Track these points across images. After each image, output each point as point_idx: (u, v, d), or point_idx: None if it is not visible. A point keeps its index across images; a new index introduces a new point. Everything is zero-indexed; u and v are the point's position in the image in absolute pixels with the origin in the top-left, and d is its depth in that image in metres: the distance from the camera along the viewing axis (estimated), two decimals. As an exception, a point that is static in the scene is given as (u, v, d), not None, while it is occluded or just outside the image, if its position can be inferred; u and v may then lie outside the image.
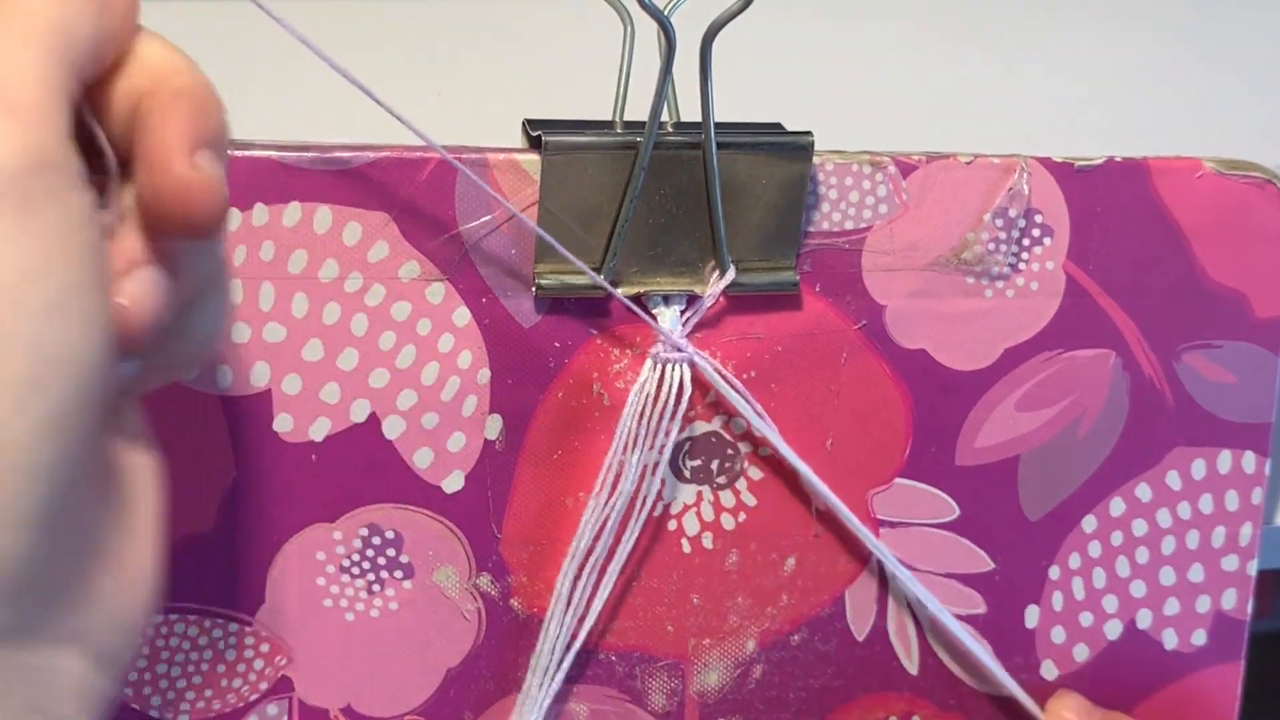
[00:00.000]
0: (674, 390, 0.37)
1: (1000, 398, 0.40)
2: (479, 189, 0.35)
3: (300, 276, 0.35)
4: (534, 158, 0.35)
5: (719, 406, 0.38)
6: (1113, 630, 0.42)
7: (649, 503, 0.38)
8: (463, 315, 0.36)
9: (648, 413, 0.37)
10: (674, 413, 0.37)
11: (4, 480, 0.22)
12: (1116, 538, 0.41)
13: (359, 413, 0.36)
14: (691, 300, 0.37)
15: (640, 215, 0.36)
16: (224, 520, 0.36)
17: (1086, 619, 0.41)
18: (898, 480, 0.40)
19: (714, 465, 0.38)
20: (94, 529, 0.25)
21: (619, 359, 0.37)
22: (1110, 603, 0.41)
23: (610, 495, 0.37)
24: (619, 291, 0.36)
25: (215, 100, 0.27)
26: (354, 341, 0.35)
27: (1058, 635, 0.41)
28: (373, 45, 0.46)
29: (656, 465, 0.37)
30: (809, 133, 0.37)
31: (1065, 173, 0.39)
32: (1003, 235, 0.39)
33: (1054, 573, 0.41)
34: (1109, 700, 0.42)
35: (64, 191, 0.23)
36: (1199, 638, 0.42)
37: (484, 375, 0.36)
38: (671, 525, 0.39)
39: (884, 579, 0.40)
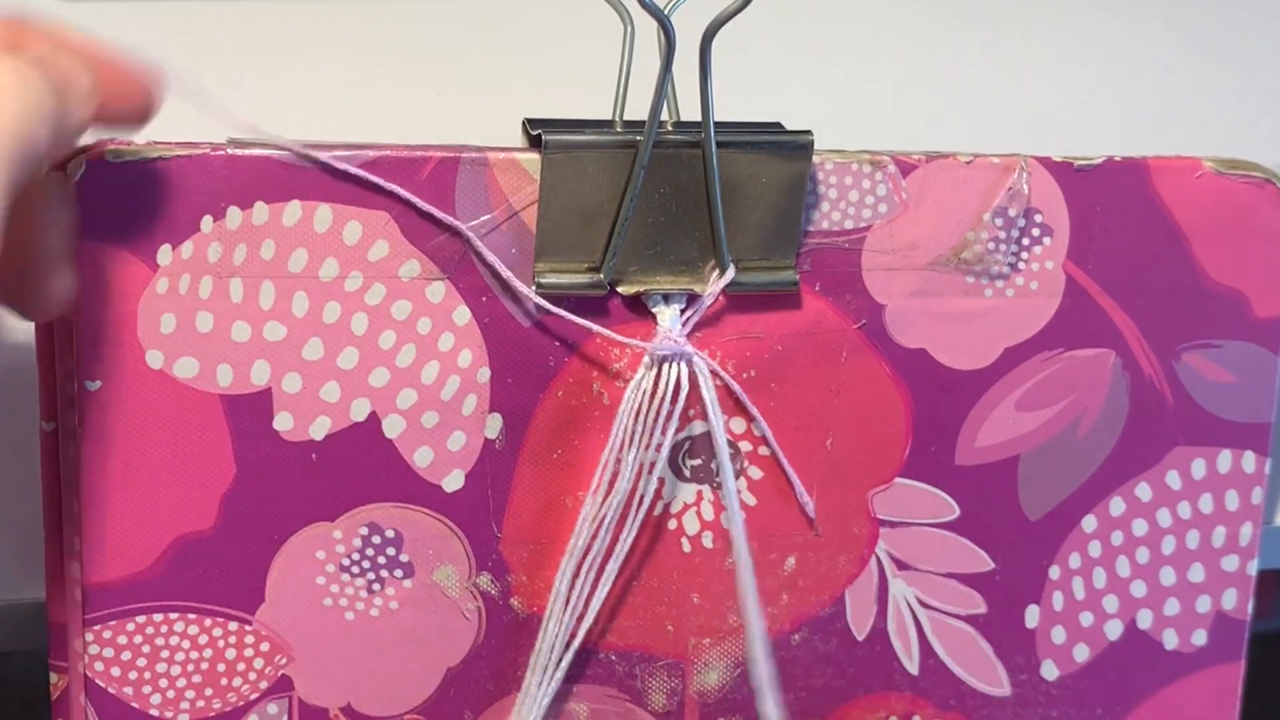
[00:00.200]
0: (671, 389, 0.37)
1: (1000, 397, 0.40)
2: (479, 188, 0.35)
3: (301, 275, 0.35)
4: (534, 157, 0.35)
5: (719, 406, 0.38)
6: (1113, 630, 0.42)
7: (648, 502, 0.38)
8: (463, 314, 0.36)
9: (645, 411, 0.37)
10: (671, 412, 0.37)
11: None
12: (1117, 537, 0.41)
13: (359, 412, 0.36)
14: (691, 299, 0.37)
15: (640, 214, 0.36)
16: (224, 520, 0.36)
17: (1087, 619, 0.41)
18: (898, 480, 0.40)
19: (714, 465, 0.38)
20: None
21: (619, 358, 0.37)
22: (1110, 603, 0.41)
23: (607, 494, 0.37)
24: (619, 290, 0.36)
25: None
26: (354, 340, 0.35)
27: (1058, 635, 0.41)
28: (373, 44, 0.46)
29: (654, 464, 0.37)
30: (809, 132, 0.37)
31: (1065, 172, 0.39)
32: (1002, 235, 0.39)
33: (1054, 573, 0.41)
34: (1110, 700, 0.42)
35: None
36: (1199, 638, 0.42)
37: (484, 374, 0.36)
38: (671, 524, 0.39)
39: (884, 578, 0.40)
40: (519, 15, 0.48)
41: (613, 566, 0.38)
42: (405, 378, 0.36)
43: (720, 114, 0.35)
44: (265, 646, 0.37)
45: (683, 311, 0.37)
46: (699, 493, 0.39)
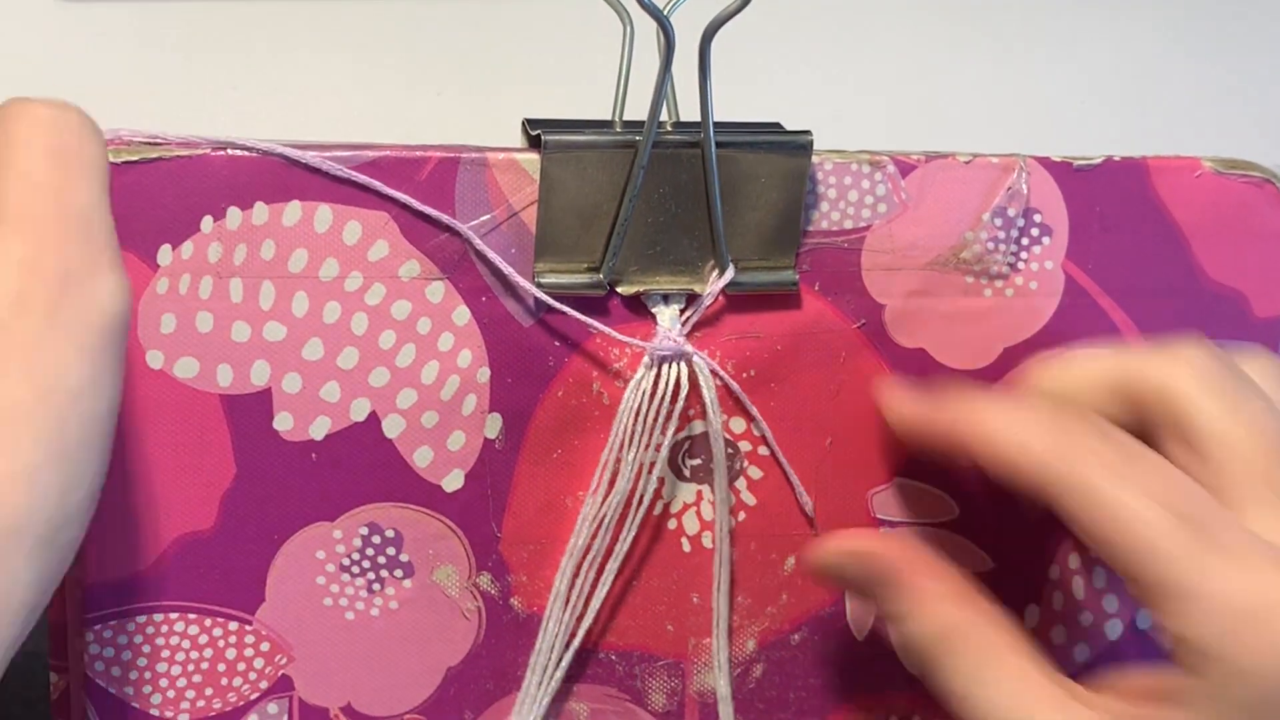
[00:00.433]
0: (671, 389, 0.37)
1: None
2: (479, 188, 0.35)
3: (301, 275, 0.35)
4: (533, 157, 0.35)
5: (718, 405, 0.38)
6: (1113, 630, 0.42)
7: (647, 501, 0.38)
8: (462, 314, 0.36)
9: (645, 411, 0.37)
10: (671, 411, 0.37)
11: None
12: None
13: (359, 411, 0.36)
14: (691, 299, 0.37)
15: (640, 214, 0.36)
16: (224, 519, 0.36)
17: (1086, 618, 0.41)
18: (896, 479, 0.40)
19: (714, 465, 0.38)
20: None
21: (619, 358, 0.37)
22: (1110, 602, 0.41)
23: (607, 494, 0.37)
24: (618, 290, 0.37)
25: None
26: (354, 340, 0.36)
27: (1058, 635, 0.41)
28: (373, 44, 0.47)
29: (654, 464, 0.37)
30: (808, 132, 0.37)
31: (1064, 172, 0.39)
32: (1002, 235, 0.39)
33: (1054, 572, 0.41)
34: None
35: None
36: (1199, 637, 0.42)
37: (484, 374, 0.36)
38: (671, 524, 0.39)
39: (884, 578, 0.40)
40: (518, 16, 0.48)
41: (612, 566, 0.38)
42: (405, 378, 0.36)
43: (720, 114, 0.35)
44: (265, 646, 0.37)
45: (682, 311, 0.37)
46: (699, 492, 0.39)
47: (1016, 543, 0.41)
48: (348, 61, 0.46)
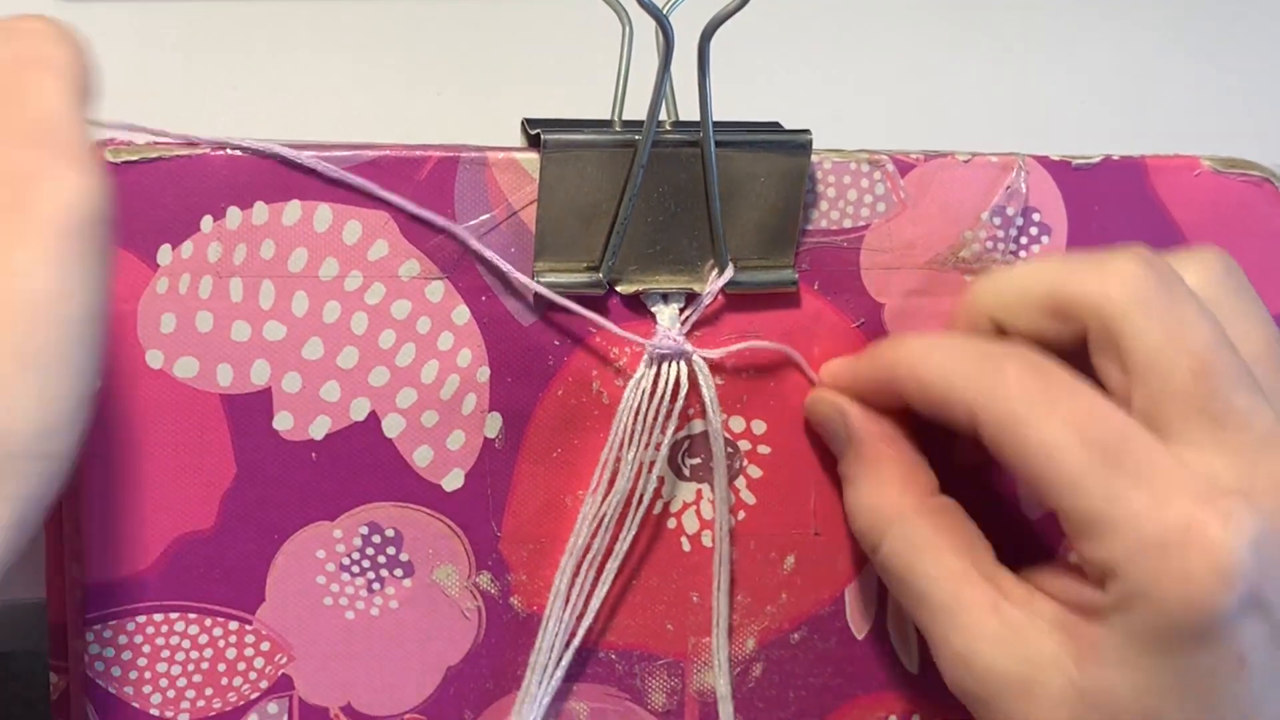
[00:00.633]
0: (670, 387, 0.37)
1: None
2: (479, 187, 0.35)
3: (300, 275, 0.35)
4: (533, 156, 0.36)
5: (718, 404, 0.38)
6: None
7: (647, 500, 0.38)
8: (462, 313, 0.36)
9: (644, 410, 0.37)
10: (670, 410, 0.37)
11: None
12: None
13: (359, 411, 0.36)
14: (690, 298, 0.37)
15: (639, 213, 0.36)
16: (224, 519, 0.36)
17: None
18: (897, 478, 0.40)
19: (714, 464, 0.38)
20: None
21: (618, 357, 0.37)
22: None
23: (607, 493, 0.37)
24: (618, 289, 0.37)
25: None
26: (354, 340, 0.36)
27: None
28: (373, 44, 0.47)
29: (654, 463, 0.38)
30: (807, 131, 0.37)
31: (1063, 171, 0.39)
32: (1000, 234, 0.39)
33: (1053, 571, 0.41)
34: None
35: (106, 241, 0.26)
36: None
37: (483, 373, 0.36)
38: (671, 523, 0.39)
39: (883, 577, 0.40)
40: (518, 15, 0.48)
41: (612, 565, 0.38)
42: (405, 377, 0.36)
43: (719, 113, 0.35)
44: (265, 646, 0.37)
45: (682, 310, 0.37)
46: (698, 491, 0.39)
47: (1017, 542, 0.40)
48: (348, 61, 0.46)
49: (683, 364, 0.37)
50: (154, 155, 0.34)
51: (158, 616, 0.36)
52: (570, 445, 0.38)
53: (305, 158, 0.34)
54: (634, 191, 0.35)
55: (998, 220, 0.39)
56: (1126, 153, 0.40)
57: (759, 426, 0.39)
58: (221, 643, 0.37)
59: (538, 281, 0.36)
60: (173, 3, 0.45)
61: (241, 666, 0.37)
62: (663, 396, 0.37)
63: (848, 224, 0.38)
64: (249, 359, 0.35)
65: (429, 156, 0.35)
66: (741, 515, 0.39)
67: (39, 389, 0.25)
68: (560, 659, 0.38)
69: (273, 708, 0.37)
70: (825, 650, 0.40)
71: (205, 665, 0.37)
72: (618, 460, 0.37)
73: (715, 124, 0.35)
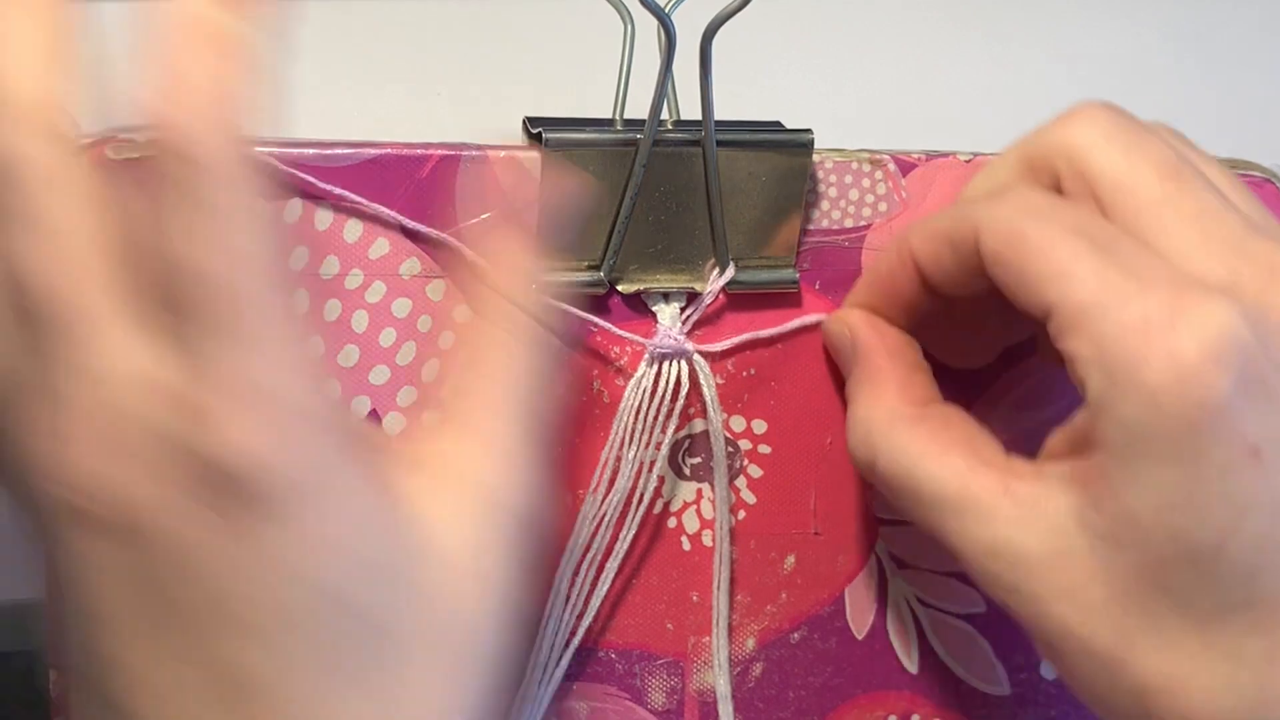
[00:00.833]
0: (671, 386, 0.37)
1: (1000, 396, 0.40)
2: (480, 186, 0.35)
3: (301, 273, 0.35)
4: (534, 155, 0.35)
5: (718, 403, 0.38)
6: (1112, 629, 0.42)
7: (647, 500, 0.38)
8: (463, 312, 0.36)
9: (645, 409, 0.37)
10: (671, 409, 0.37)
11: None
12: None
13: (359, 409, 0.36)
14: (691, 297, 0.37)
15: (640, 212, 0.36)
16: (224, 517, 0.36)
17: (1086, 618, 0.41)
18: (897, 478, 0.40)
19: (714, 463, 0.38)
20: None
21: (619, 356, 0.37)
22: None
23: (608, 492, 0.37)
24: (619, 289, 0.37)
25: None
26: (354, 338, 0.36)
27: (1057, 634, 0.41)
28: (375, 44, 0.47)
29: (654, 462, 0.37)
30: (808, 130, 0.37)
31: (1064, 171, 0.39)
32: (1002, 233, 0.39)
33: (1054, 571, 0.41)
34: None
35: None
36: (1199, 637, 0.42)
37: (484, 372, 0.36)
38: (671, 523, 0.39)
39: (884, 577, 0.40)
40: (519, 15, 0.48)
41: (612, 565, 0.38)
42: (405, 375, 0.36)
43: (720, 112, 0.35)
44: (265, 644, 0.37)
45: (683, 310, 0.37)
46: (699, 491, 0.39)
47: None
48: (349, 60, 0.46)
49: (683, 363, 0.37)
50: (154, 153, 0.34)
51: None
52: (570, 444, 0.38)
53: (306, 156, 0.34)
54: (635, 191, 0.35)
55: (999, 220, 0.39)
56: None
57: (759, 426, 0.39)
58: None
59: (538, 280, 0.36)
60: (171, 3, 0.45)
61: (241, 665, 0.37)
62: (663, 396, 0.37)
63: (849, 223, 0.38)
64: (249, 357, 0.35)
65: (430, 155, 0.35)
66: (742, 515, 0.39)
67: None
68: (560, 658, 0.38)
69: (272, 706, 0.37)
70: (825, 650, 0.40)
71: (205, 664, 0.37)
72: (618, 459, 0.37)
73: (717, 123, 0.35)
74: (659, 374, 0.37)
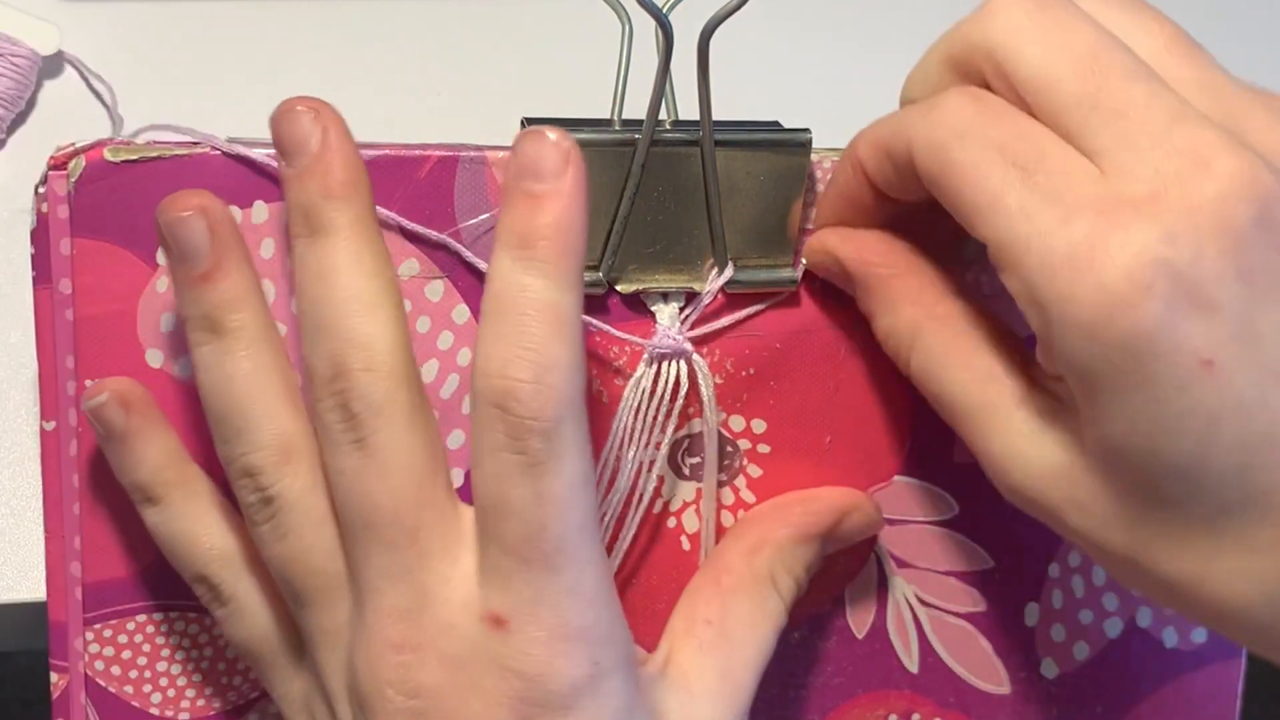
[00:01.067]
0: (671, 387, 0.37)
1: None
2: (478, 187, 0.35)
3: (300, 274, 0.35)
4: (533, 155, 0.35)
5: (717, 403, 0.38)
6: (1113, 628, 0.42)
7: (647, 499, 0.38)
8: (462, 313, 0.36)
9: (644, 409, 0.37)
10: (670, 409, 0.37)
11: None
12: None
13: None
14: (690, 297, 0.37)
15: (638, 212, 0.36)
16: (224, 518, 0.36)
17: (1086, 616, 0.41)
18: (896, 478, 0.40)
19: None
20: None
21: (618, 356, 0.37)
22: (1110, 600, 0.41)
23: (608, 492, 0.37)
24: (617, 289, 0.37)
25: None
26: (353, 339, 0.35)
27: (1057, 633, 0.41)
28: (374, 44, 0.47)
29: (654, 462, 0.37)
30: (806, 130, 0.37)
31: (1063, 170, 0.39)
32: (1001, 232, 0.39)
33: (1053, 570, 0.41)
34: (1109, 698, 0.42)
35: None
36: (1199, 636, 0.42)
37: (483, 373, 0.36)
38: (671, 523, 0.39)
39: (884, 576, 0.40)
40: (518, 16, 0.48)
41: (612, 564, 0.38)
42: (404, 376, 0.36)
43: (718, 112, 0.35)
44: (265, 645, 0.37)
45: (681, 309, 0.37)
46: (698, 490, 0.39)
47: (1017, 541, 0.41)
48: (348, 61, 0.46)
49: (683, 363, 0.37)
50: (154, 155, 0.34)
51: (158, 615, 0.36)
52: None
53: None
54: (633, 190, 0.35)
55: (997, 219, 0.38)
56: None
57: (759, 425, 0.39)
58: (221, 642, 0.37)
59: (537, 281, 0.36)
60: (174, 3, 0.46)
61: (241, 665, 0.37)
62: (663, 396, 0.37)
63: (847, 223, 0.38)
64: (249, 358, 0.35)
65: (428, 156, 0.35)
66: (742, 514, 0.39)
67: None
68: (560, 658, 0.38)
69: (273, 707, 0.37)
70: (825, 649, 0.40)
71: (205, 665, 0.37)
72: (618, 460, 0.37)
73: (715, 123, 0.35)
74: (658, 374, 0.37)
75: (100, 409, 0.34)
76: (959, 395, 0.34)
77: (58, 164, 0.34)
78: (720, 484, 0.39)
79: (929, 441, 0.39)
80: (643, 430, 0.37)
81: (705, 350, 0.37)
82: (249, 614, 0.34)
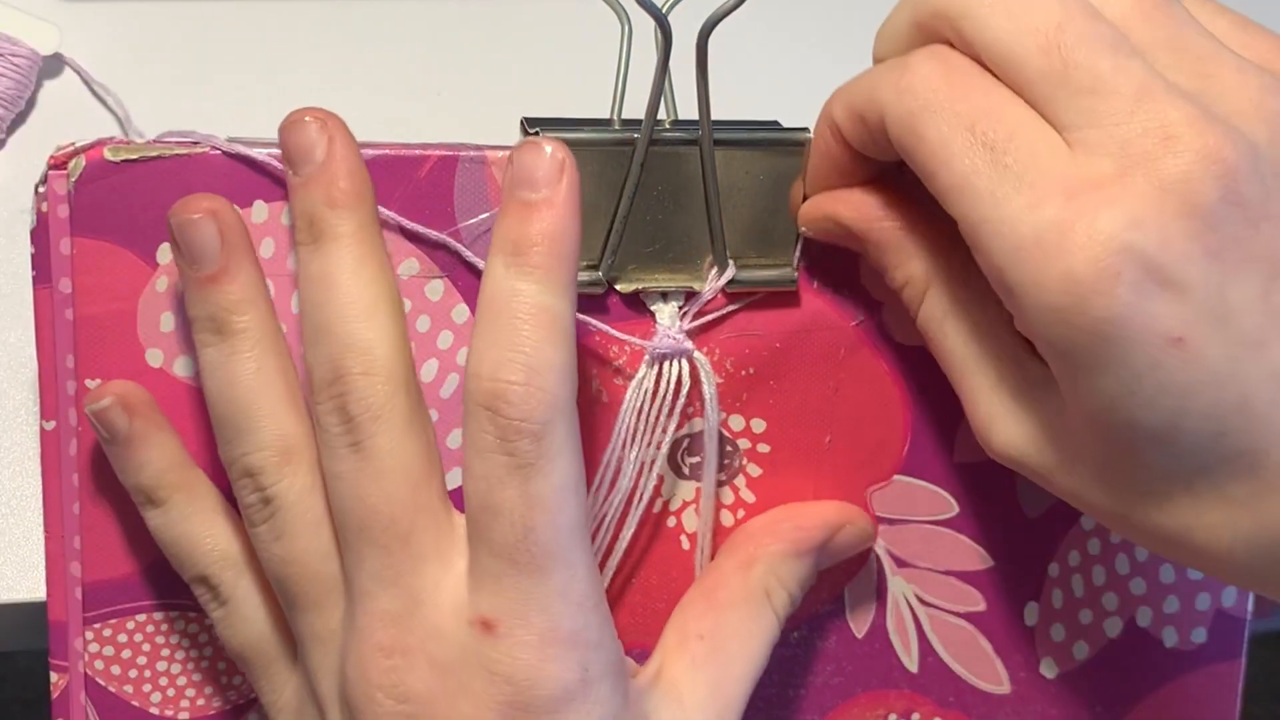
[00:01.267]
0: (671, 387, 0.37)
1: None
2: (478, 186, 0.35)
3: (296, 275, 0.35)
4: (532, 155, 0.35)
5: (717, 403, 0.38)
6: (1112, 628, 0.42)
7: (647, 499, 0.38)
8: (461, 312, 0.36)
9: (645, 409, 0.37)
10: (671, 409, 0.37)
11: None
12: (1116, 534, 0.41)
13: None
14: (690, 297, 0.37)
15: (638, 212, 0.36)
16: (224, 518, 0.36)
17: (1086, 616, 0.41)
18: (896, 477, 0.40)
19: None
20: None
21: (618, 356, 0.37)
22: (1110, 600, 0.41)
23: (609, 492, 0.37)
24: (617, 288, 0.37)
25: None
26: (353, 338, 0.35)
27: (1057, 633, 0.41)
28: (374, 44, 0.47)
29: (654, 461, 0.37)
30: (806, 129, 0.37)
31: (1063, 170, 0.39)
32: (1000, 232, 0.39)
33: (1053, 570, 0.41)
34: (1109, 698, 0.42)
35: None
36: (1199, 635, 0.42)
37: (483, 372, 0.36)
38: (671, 522, 0.39)
39: (883, 576, 0.40)
40: (518, 15, 0.48)
41: (612, 564, 0.38)
42: (404, 376, 0.36)
43: (717, 112, 0.35)
44: (265, 645, 0.37)
45: (681, 309, 0.37)
46: (698, 490, 0.39)
47: (1016, 540, 0.41)
48: (348, 61, 0.46)
49: (684, 362, 0.37)
50: (154, 154, 0.34)
51: (158, 615, 0.36)
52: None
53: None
54: (633, 190, 0.35)
55: (997, 219, 0.38)
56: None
57: (758, 425, 0.39)
58: (221, 642, 0.37)
59: (537, 280, 0.36)
60: (173, 3, 0.46)
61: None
62: (665, 395, 0.37)
63: (847, 223, 0.38)
64: (248, 358, 0.35)
65: (428, 156, 0.35)
66: (741, 514, 0.39)
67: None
68: (560, 658, 0.38)
69: (272, 707, 0.37)
70: (825, 649, 0.40)
71: (205, 664, 0.37)
72: (620, 460, 0.37)
73: (714, 123, 0.35)
74: (660, 374, 0.37)
75: (104, 412, 0.34)
76: (954, 349, 0.35)
77: (58, 163, 0.34)
78: (720, 483, 0.39)
79: (929, 441, 0.39)
80: (645, 431, 0.37)
81: (705, 350, 0.37)
82: (246, 616, 0.34)
